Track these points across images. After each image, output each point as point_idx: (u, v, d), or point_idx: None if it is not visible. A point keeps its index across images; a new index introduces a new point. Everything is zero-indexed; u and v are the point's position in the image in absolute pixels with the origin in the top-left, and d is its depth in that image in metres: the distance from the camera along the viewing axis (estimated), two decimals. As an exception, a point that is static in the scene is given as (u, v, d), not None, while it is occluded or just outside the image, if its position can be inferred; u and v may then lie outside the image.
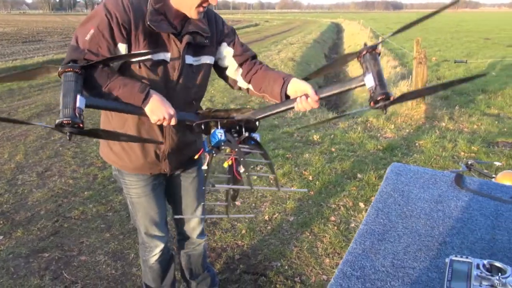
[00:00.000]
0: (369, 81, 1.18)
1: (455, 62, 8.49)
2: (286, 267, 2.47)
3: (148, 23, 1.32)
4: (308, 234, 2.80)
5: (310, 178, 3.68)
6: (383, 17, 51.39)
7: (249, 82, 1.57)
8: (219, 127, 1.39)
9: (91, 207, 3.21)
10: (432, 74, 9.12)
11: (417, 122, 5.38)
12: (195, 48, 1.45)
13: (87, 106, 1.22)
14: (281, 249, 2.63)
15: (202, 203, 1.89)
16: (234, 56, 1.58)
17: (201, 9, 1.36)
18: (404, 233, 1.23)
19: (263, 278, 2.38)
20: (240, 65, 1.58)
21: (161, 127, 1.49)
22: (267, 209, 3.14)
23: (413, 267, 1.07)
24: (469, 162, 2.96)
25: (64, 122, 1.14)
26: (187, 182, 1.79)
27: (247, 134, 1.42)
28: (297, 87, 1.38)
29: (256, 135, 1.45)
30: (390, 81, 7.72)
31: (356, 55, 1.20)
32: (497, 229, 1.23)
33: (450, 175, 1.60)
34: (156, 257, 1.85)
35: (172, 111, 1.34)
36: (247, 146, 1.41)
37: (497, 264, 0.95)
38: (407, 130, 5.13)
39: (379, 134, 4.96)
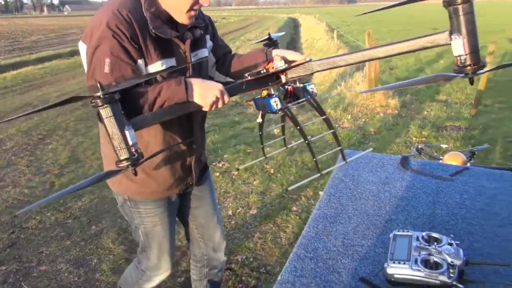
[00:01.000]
0: (458, 46, 0.91)
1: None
2: (251, 259, 2.52)
3: (153, 31, 1.22)
4: (272, 225, 2.86)
5: (272, 171, 3.75)
6: (338, 11, 52.60)
7: (227, 75, 1.51)
8: (272, 92, 1.24)
9: (49, 215, 3.12)
10: (385, 64, 9.47)
11: (372, 111, 5.59)
12: (192, 44, 1.38)
13: (136, 131, 1.05)
14: (245, 242, 2.67)
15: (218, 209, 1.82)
16: (213, 50, 1.50)
17: (192, 13, 1.26)
18: (354, 214, 1.30)
19: (228, 272, 2.42)
20: (217, 60, 1.52)
21: (184, 128, 1.42)
22: (230, 204, 3.17)
23: (362, 244, 1.14)
24: (419, 146, 3.13)
25: (126, 166, 1.02)
26: (203, 191, 1.70)
27: (301, 85, 1.28)
28: (283, 54, 1.31)
29: (312, 86, 1.30)
30: (346, 73, 7.93)
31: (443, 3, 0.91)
32: (437, 205, 1.33)
33: (397, 158, 1.70)
34: (155, 286, 1.74)
35: (220, 85, 1.20)
36: (303, 100, 1.30)
37: (434, 235, 1.04)
38: (363, 120, 5.31)
39: (337, 125, 5.11)
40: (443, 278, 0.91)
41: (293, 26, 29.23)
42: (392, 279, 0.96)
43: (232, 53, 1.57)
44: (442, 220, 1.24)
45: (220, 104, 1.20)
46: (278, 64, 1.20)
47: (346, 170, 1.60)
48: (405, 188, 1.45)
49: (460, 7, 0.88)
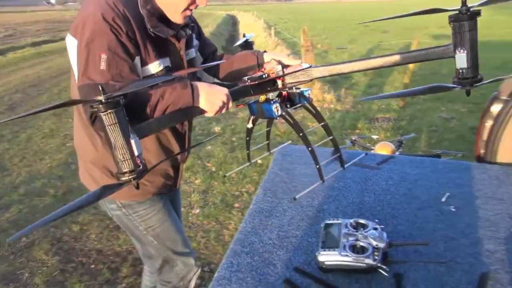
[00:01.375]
0: (461, 59, 0.97)
1: (336, 49, 9.21)
2: (195, 258, 2.50)
3: (151, 29, 1.17)
4: (214, 223, 2.86)
5: (213, 169, 3.74)
6: (275, 8, 53.40)
7: (214, 76, 1.46)
8: (272, 98, 1.21)
9: (-28, 230, 2.87)
10: (322, 60, 9.81)
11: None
12: (185, 43, 1.33)
13: (140, 139, 0.94)
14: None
15: None
16: (200, 49, 1.45)
17: (187, 12, 1.22)
18: (289, 207, 1.34)
19: (172, 274, 2.38)
20: (205, 60, 1.47)
21: (179, 131, 1.38)
22: (172, 205, 3.13)
23: (296, 235, 1.18)
24: (353, 138, 3.29)
25: (130, 179, 0.90)
26: (177, 194, 1.70)
27: (298, 91, 1.26)
28: (279, 58, 1.30)
29: (308, 91, 1.28)
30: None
31: (449, 17, 0.96)
32: (365, 192, 1.41)
33: (330, 150, 1.77)
34: (198, 273, 1.66)
35: (225, 90, 1.14)
36: (299, 105, 1.29)
37: (361, 221, 1.10)
38: (301, 114, 5.46)
39: (276, 121, 5.21)
40: (369, 261, 0.97)
41: (232, 23, 29.24)
42: (324, 266, 1.01)
43: (219, 52, 1.53)
44: (370, 206, 1.32)
45: (224, 110, 1.15)
46: (277, 68, 1.18)
47: (281, 164, 1.65)
48: (337, 179, 1.52)
49: (466, 23, 0.94)
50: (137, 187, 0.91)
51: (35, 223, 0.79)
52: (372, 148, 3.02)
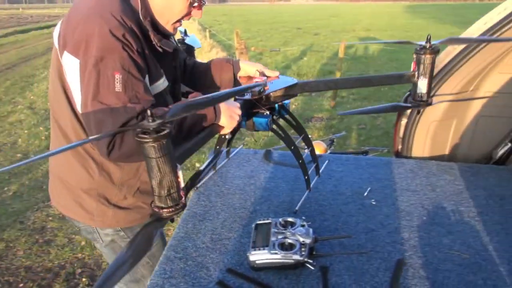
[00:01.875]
0: (422, 85, 1.19)
1: (270, 51, 9.42)
2: (132, 268, 2.44)
3: (158, 44, 1.10)
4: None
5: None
6: (210, 10, 53.18)
7: (187, 85, 1.42)
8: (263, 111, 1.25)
9: None
10: (257, 62, 9.96)
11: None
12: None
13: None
14: (125, 252, 2.57)
15: None
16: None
17: (178, 24, 1.17)
18: (222, 209, 1.37)
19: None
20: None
21: None
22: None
23: (229, 237, 1.21)
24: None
25: (173, 213, 0.82)
26: None
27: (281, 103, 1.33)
28: (248, 68, 1.35)
29: (288, 104, 1.36)
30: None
31: (415, 50, 1.17)
32: (295, 191, 1.48)
33: (261, 152, 1.82)
34: None
35: (237, 103, 1.15)
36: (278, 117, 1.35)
37: (290, 219, 1.16)
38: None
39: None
40: (296, 256, 1.03)
41: (166, 24, 28.60)
42: (255, 265, 1.05)
43: (188, 59, 1.48)
44: (297, 201, 1.39)
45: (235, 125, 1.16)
46: (263, 82, 1.23)
47: (215, 167, 1.67)
48: (268, 179, 1.57)
49: (429, 56, 1.17)
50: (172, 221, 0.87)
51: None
52: (306, 147, 3.13)
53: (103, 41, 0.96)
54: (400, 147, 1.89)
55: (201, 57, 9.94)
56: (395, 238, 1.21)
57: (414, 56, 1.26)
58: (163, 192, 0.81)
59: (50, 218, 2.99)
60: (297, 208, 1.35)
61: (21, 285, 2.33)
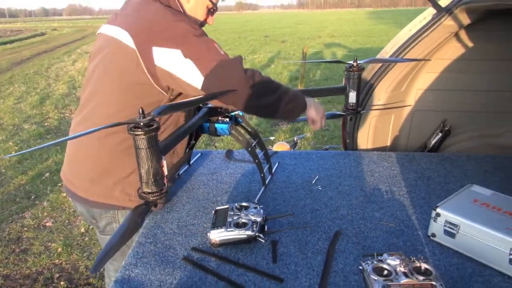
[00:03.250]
0: (352, 97, 1.67)
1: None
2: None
3: None
4: (127, 234, 2.94)
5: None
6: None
7: None
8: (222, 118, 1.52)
9: None
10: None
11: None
12: None
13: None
14: (101, 255, 2.70)
15: None
16: None
17: None
18: (187, 201, 1.55)
19: (88, 287, 2.43)
20: None
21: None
22: (82, 222, 3.12)
23: (193, 223, 1.40)
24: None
25: (160, 195, 1.07)
26: None
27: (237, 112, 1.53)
28: None
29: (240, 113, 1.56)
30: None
31: (345, 67, 1.57)
32: (252, 183, 1.68)
33: (223, 152, 2.02)
34: None
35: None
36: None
37: (244, 204, 1.35)
38: (208, 124, 5.70)
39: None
40: (249, 232, 1.22)
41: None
42: (215, 243, 1.23)
43: None
44: (255, 193, 1.59)
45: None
46: None
47: (183, 168, 1.85)
48: (228, 175, 1.77)
49: (356, 73, 1.61)
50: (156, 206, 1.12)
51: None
52: (271, 148, 3.36)
53: (193, 30, 1.23)
54: (347, 141, 2.13)
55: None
56: (335, 215, 1.42)
57: (345, 73, 1.63)
58: (150, 179, 0.97)
59: (25, 229, 3.06)
60: (256, 200, 1.54)
61: (0, 293, 2.42)
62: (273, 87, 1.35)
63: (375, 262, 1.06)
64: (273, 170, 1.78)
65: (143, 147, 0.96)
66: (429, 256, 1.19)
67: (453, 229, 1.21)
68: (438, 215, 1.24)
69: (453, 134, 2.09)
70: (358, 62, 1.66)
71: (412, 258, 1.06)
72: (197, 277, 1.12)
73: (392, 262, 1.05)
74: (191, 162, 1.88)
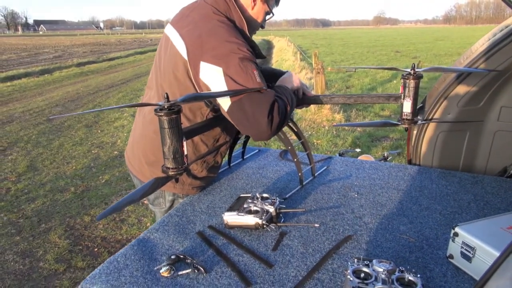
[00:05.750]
0: (406, 106, 1.48)
1: (346, 71, 9.55)
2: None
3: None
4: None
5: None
6: (312, 34, 54.24)
7: None
8: None
9: (1, 216, 3.38)
10: (343, 83, 10.10)
11: (318, 125, 6.07)
12: None
13: None
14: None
15: None
16: None
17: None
18: (226, 188, 1.68)
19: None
20: None
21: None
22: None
23: (221, 207, 1.52)
24: (341, 152, 3.59)
25: (179, 171, 1.19)
26: None
27: None
28: None
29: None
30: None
31: (402, 75, 1.46)
32: (292, 181, 1.74)
33: (279, 151, 2.11)
34: None
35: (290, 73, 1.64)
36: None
37: (265, 195, 1.43)
38: (309, 132, 5.78)
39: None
40: (256, 219, 1.30)
41: (267, 47, 30.10)
42: (227, 223, 1.35)
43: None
44: (291, 191, 1.64)
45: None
46: None
47: (236, 160, 1.99)
48: (274, 171, 1.85)
49: (413, 82, 1.45)
50: (177, 181, 1.22)
51: (111, 207, 1.09)
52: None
53: (240, 55, 1.30)
54: (412, 155, 2.01)
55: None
56: (357, 221, 1.40)
57: (401, 80, 1.49)
58: (171, 156, 1.12)
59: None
60: (286, 196, 1.60)
61: (95, 249, 2.91)
62: (284, 111, 1.37)
63: (360, 265, 1.05)
64: (317, 173, 1.80)
65: (166, 127, 1.12)
66: (436, 276, 1.11)
67: (469, 252, 1.10)
68: (456, 234, 1.14)
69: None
70: (416, 70, 1.57)
71: (402, 269, 1.02)
72: (200, 249, 1.25)
73: (377, 268, 1.03)
74: (245, 157, 2.02)
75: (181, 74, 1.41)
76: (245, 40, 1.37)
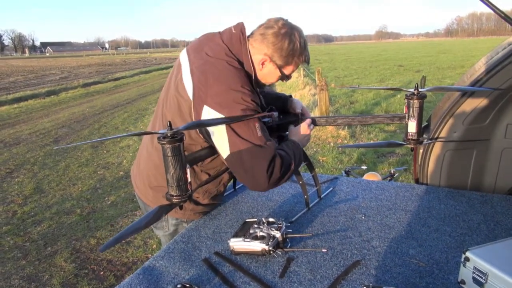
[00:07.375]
0: (411, 126, 1.47)
1: (349, 88, 9.54)
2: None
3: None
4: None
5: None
6: (314, 49, 54.70)
7: None
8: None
9: (8, 239, 3.38)
10: (346, 98, 10.12)
11: (323, 142, 6.06)
12: None
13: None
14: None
15: None
16: None
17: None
18: (231, 212, 1.67)
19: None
20: None
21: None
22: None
23: (227, 232, 1.51)
24: (347, 169, 3.57)
25: (183, 198, 1.19)
26: None
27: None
28: (294, 106, 1.67)
29: None
30: (308, 107, 8.47)
31: (405, 95, 1.45)
32: (297, 204, 1.72)
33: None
34: None
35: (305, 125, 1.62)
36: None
37: (271, 219, 1.41)
38: (314, 149, 5.77)
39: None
40: (263, 245, 1.28)
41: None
42: (233, 250, 1.33)
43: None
44: (297, 213, 1.63)
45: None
46: (272, 115, 1.58)
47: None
48: (279, 194, 1.84)
49: (417, 101, 1.45)
50: (181, 208, 1.22)
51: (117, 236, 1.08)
52: (359, 176, 3.28)
53: (243, 106, 1.30)
54: (419, 174, 1.99)
55: (294, 93, 10.45)
56: (365, 245, 1.37)
57: (405, 101, 1.50)
58: (174, 183, 1.12)
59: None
60: (292, 219, 1.58)
61: (101, 273, 2.88)
62: (288, 168, 1.37)
63: (369, 293, 1.02)
64: (323, 195, 1.78)
65: (169, 155, 1.12)
66: (448, 302, 1.08)
67: (481, 277, 1.07)
68: (467, 259, 1.12)
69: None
70: (420, 90, 1.57)
71: (412, 297, 0.99)
72: (206, 277, 1.23)
73: (387, 296, 1.00)
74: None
75: (185, 111, 1.42)
76: (251, 87, 1.36)
